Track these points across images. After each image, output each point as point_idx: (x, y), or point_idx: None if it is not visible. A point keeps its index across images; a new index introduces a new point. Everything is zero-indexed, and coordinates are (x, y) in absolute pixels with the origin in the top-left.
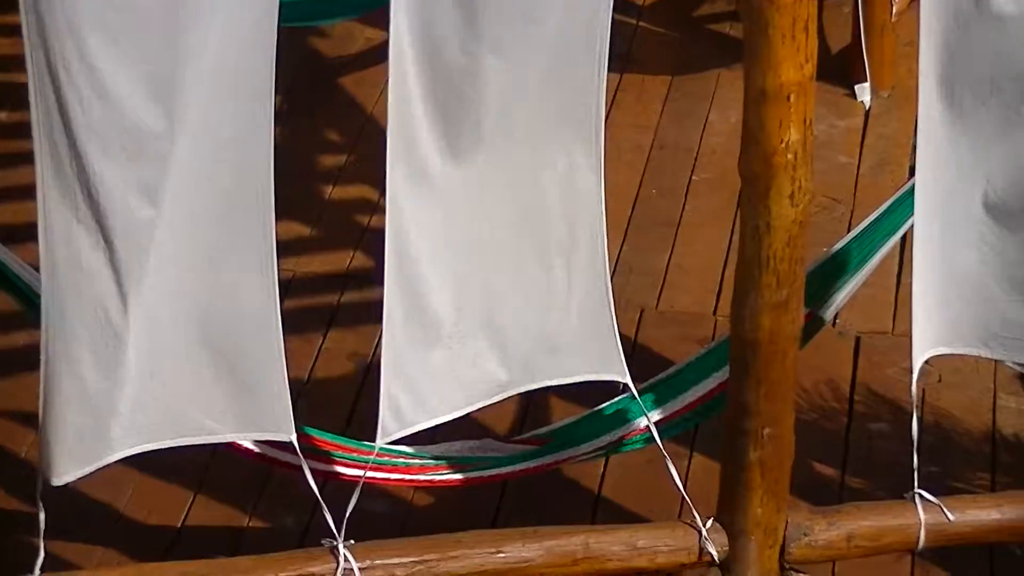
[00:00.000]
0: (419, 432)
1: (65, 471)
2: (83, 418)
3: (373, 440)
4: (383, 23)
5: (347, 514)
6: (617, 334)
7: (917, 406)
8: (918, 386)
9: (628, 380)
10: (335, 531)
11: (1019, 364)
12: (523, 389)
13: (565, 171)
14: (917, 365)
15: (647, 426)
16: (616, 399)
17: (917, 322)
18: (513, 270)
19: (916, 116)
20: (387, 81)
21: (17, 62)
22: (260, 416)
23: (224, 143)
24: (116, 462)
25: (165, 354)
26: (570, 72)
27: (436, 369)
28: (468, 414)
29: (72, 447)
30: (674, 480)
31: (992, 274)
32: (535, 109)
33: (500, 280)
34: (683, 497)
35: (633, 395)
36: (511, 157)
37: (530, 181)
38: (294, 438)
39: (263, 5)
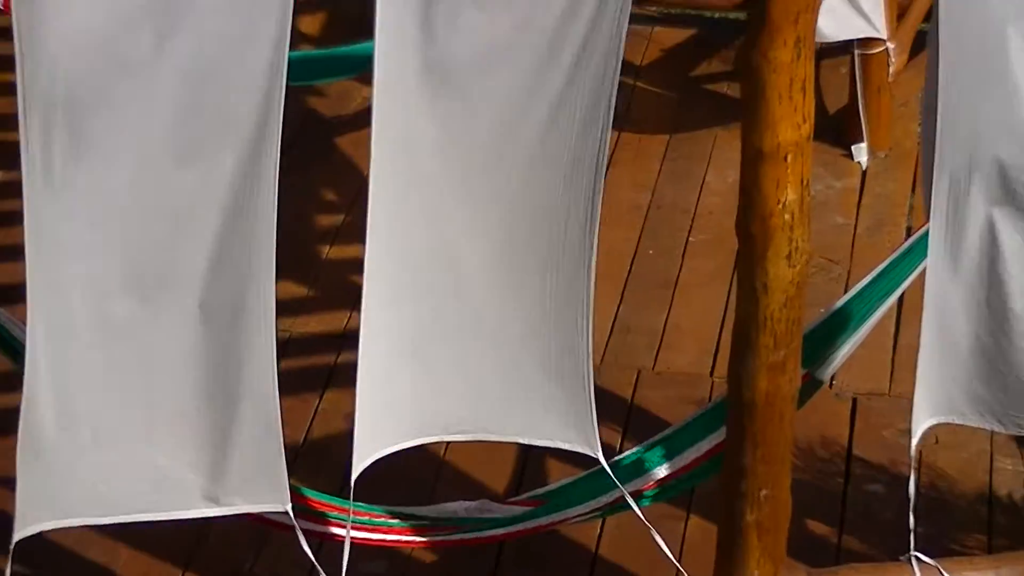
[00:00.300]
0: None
1: (23, 526)
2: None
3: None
4: None
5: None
6: (594, 410)
7: (915, 468)
8: (915, 447)
9: (599, 455)
10: None
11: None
12: (492, 438)
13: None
14: (918, 432)
15: (645, 487)
16: (611, 460)
17: (920, 388)
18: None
19: (914, 176)
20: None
21: (10, 121)
22: (255, 485)
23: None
24: (109, 527)
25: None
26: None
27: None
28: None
29: (36, 503)
30: (657, 542)
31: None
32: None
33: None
34: (679, 560)
35: (628, 453)
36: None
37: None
38: (289, 508)
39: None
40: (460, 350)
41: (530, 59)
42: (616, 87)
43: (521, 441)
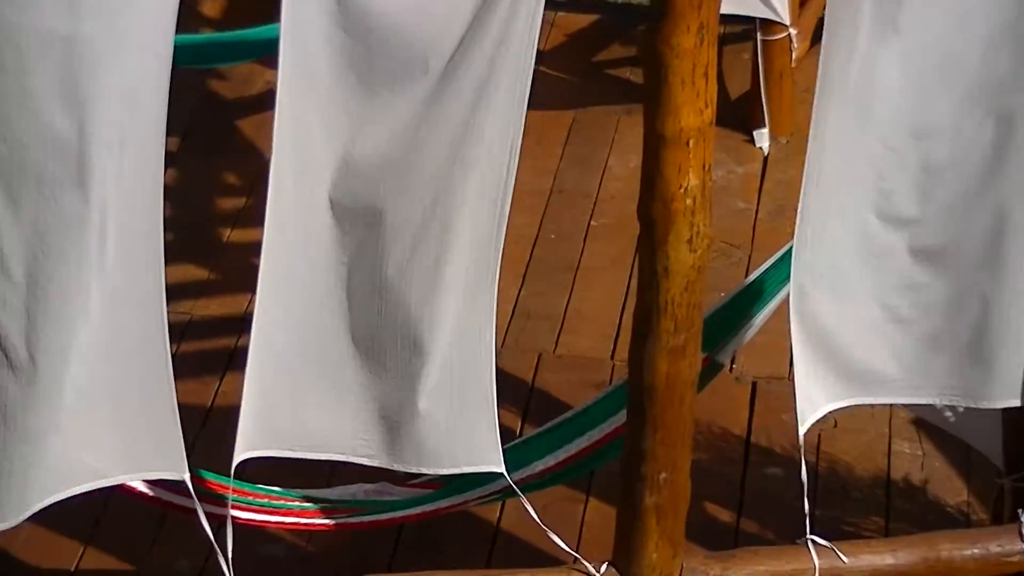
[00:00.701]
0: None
1: None
2: None
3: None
4: None
5: (230, 554)
6: (497, 424)
7: (812, 451)
8: (814, 431)
9: (503, 469)
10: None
11: (911, 408)
12: (396, 467)
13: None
14: (804, 426)
15: (544, 470)
16: (512, 443)
17: (799, 382)
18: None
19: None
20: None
21: None
22: (152, 456)
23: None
24: None
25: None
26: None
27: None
28: None
29: None
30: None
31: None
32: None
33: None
34: (577, 541)
35: (528, 437)
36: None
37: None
38: (187, 477)
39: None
40: (357, 369)
41: (447, 42)
42: (531, 72)
43: (425, 472)
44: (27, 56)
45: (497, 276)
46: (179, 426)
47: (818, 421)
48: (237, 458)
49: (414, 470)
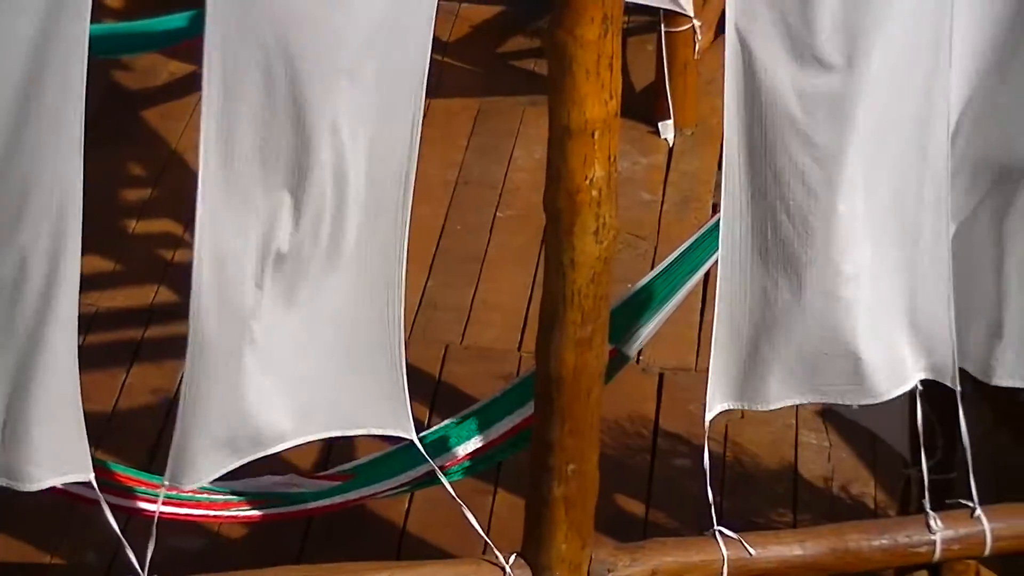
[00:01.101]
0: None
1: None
2: None
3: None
4: (188, 56)
5: (149, 552)
6: (406, 390)
7: (719, 442)
8: (721, 422)
9: (414, 437)
10: (138, 568)
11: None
12: (307, 439)
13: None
14: (710, 414)
15: (452, 461)
16: (421, 435)
17: (713, 370)
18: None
19: (720, 154)
20: (193, 114)
21: None
22: (57, 456)
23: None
24: None
25: None
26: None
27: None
28: None
29: None
30: (467, 516)
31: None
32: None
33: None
34: (487, 533)
35: (437, 428)
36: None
37: None
38: (92, 477)
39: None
40: (277, 345)
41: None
42: (428, 65)
43: (334, 434)
44: None
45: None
46: (83, 426)
47: (725, 413)
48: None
49: (325, 434)
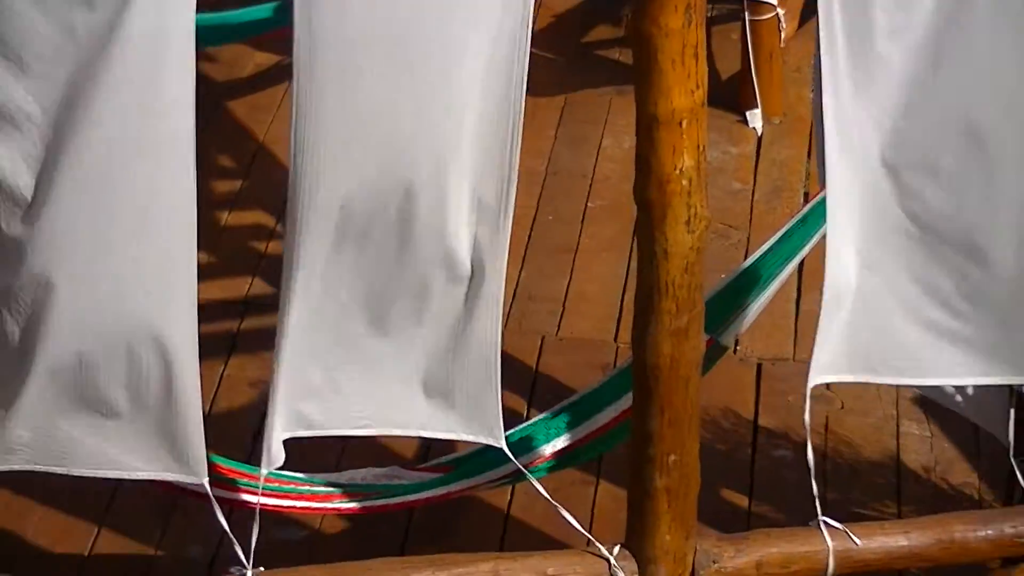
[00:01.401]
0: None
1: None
2: None
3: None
4: (274, 47)
5: (253, 542)
6: (499, 395)
7: (820, 433)
8: (821, 413)
9: (503, 444)
10: (243, 559)
11: (919, 388)
12: (395, 432)
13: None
14: (807, 390)
15: (552, 453)
16: (520, 427)
17: (816, 348)
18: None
19: (809, 142)
20: (281, 106)
21: None
22: (173, 458)
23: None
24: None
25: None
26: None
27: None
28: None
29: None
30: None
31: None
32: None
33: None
34: (590, 525)
35: (534, 421)
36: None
37: None
38: (206, 482)
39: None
40: (369, 340)
41: (457, 28)
42: (528, 56)
43: (424, 434)
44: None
45: (506, 254)
46: (202, 431)
47: (824, 403)
48: (277, 441)
49: (414, 434)
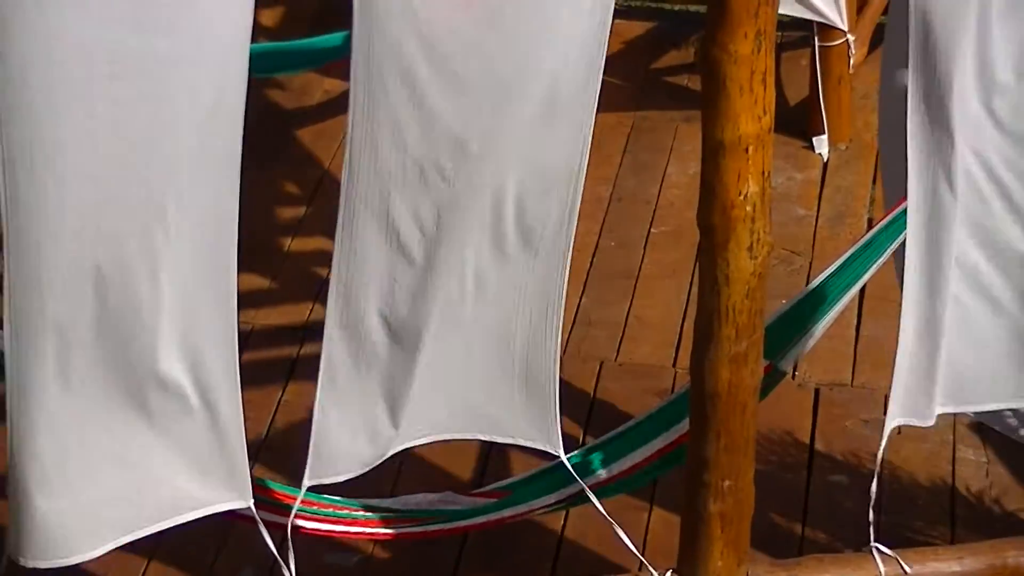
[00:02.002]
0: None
1: (34, 557)
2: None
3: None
4: (343, 75)
5: (292, 566)
6: (558, 406)
7: (875, 457)
8: (877, 439)
9: (561, 453)
10: None
11: (978, 415)
12: (454, 437)
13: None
14: (888, 429)
15: (608, 478)
16: (575, 452)
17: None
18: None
19: (875, 168)
20: (346, 135)
21: None
22: (220, 487)
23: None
24: None
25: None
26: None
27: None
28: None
29: (41, 535)
30: (620, 536)
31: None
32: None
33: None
34: (642, 551)
35: (590, 445)
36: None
37: None
38: (252, 504)
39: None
40: (427, 347)
41: (524, 41)
42: (600, 80)
43: (482, 438)
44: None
45: (567, 271)
46: (246, 455)
47: (881, 428)
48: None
49: (469, 436)
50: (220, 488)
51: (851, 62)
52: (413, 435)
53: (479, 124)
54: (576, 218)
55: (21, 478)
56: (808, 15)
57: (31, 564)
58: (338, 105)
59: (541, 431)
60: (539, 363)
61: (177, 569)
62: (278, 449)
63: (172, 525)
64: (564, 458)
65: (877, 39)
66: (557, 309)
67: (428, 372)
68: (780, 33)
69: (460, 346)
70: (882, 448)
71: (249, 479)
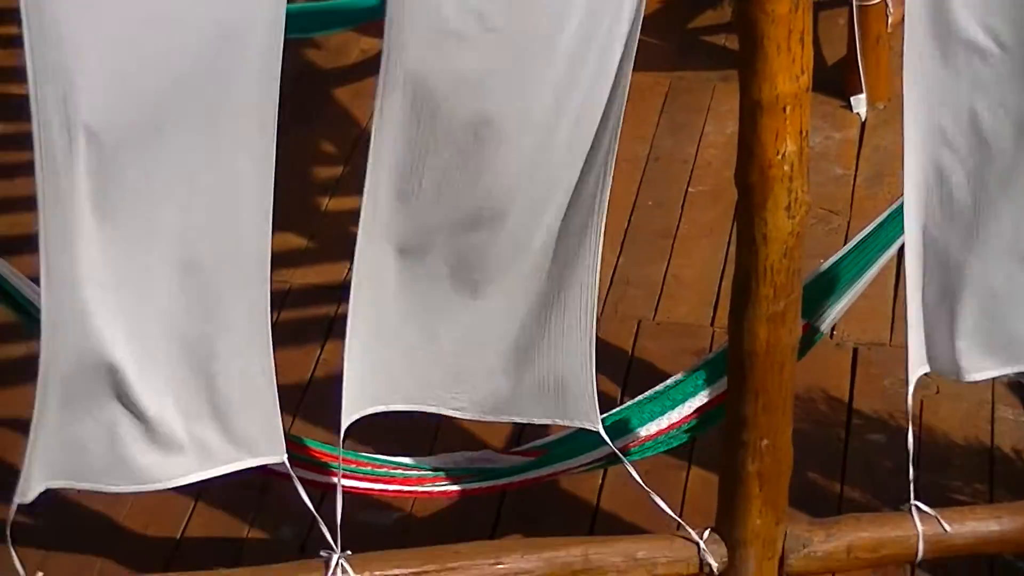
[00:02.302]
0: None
1: (32, 487)
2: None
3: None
4: (379, 33)
5: (338, 523)
6: (595, 380)
7: (914, 418)
8: (916, 397)
9: (600, 428)
10: (332, 542)
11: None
12: (488, 418)
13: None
14: (913, 379)
15: (646, 437)
16: (613, 411)
17: (912, 336)
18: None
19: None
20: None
21: (10, 73)
22: (253, 441)
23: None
24: None
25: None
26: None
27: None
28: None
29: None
30: (655, 500)
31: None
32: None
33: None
34: (680, 509)
35: (628, 405)
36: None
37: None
38: (285, 459)
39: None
40: (460, 321)
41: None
42: (636, 43)
43: (518, 420)
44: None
45: (601, 238)
46: (278, 409)
47: (920, 388)
48: (345, 422)
49: (505, 419)
50: (257, 443)
51: (889, 21)
52: (449, 404)
53: (507, 90)
54: (610, 180)
55: None
56: None
57: None
58: (375, 64)
59: (577, 408)
60: (574, 339)
61: (217, 526)
62: (317, 408)
63: (208, 478)
64: (602, 431)
65: None
66: (591, 287)
67: (460, 342)
68: None
69: (494, 324)
70: (909, 396)
71: (282, 435)
